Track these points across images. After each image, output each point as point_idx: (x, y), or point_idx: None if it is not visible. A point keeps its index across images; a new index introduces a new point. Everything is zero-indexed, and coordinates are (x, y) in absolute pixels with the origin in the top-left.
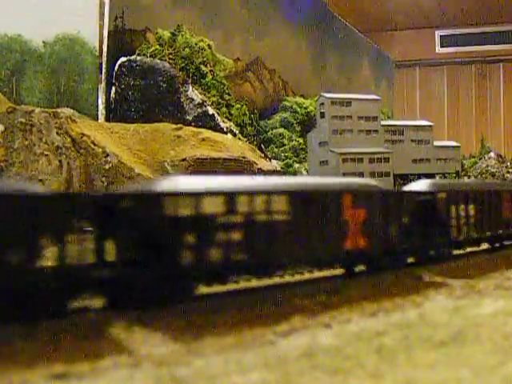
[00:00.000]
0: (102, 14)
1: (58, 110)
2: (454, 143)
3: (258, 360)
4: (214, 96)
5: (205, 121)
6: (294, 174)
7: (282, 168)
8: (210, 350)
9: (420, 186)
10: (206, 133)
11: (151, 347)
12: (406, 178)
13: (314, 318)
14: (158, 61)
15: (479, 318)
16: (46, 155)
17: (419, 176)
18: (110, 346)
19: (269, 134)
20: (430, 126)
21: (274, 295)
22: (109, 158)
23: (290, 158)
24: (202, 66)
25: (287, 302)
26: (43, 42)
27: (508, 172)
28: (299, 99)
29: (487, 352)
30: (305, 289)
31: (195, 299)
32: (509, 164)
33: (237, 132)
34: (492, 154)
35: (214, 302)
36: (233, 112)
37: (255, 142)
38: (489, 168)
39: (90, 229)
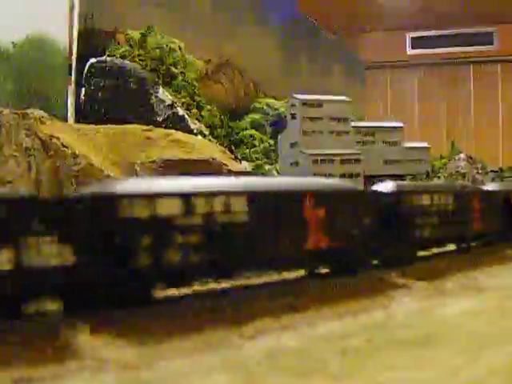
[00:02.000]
0: (71, 15)
1: (28, 111)
2: (424, 144)
3: (222, 363)
4: (184, 97)
5: (175, 122)
6: (265, 175)
7: (252, 169)
8: (175, 353)
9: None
10: (177, 134)
11: (115, 350)
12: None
13: (280, 320)
14: (128, 62)
15: (446, 319)
16: (15, 156)
17: (390, 177)
18: (73, 349)
19: (239, 135)
20: (401, 127)
21: (239, 297)
22: (78, 160)
23: (260, 160)
24: (173, 68)
25: (252, 303)
26: (12, 42)
27: (478, 173)
28: (270, 100)
29: (454, 353)
30: (270, 290)
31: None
32: (479, 165)
33: (207, 133)
34: (462, 155)
35: (177, 304)
36: (203, 113)
37: (226, 144)
38: (459, 169)
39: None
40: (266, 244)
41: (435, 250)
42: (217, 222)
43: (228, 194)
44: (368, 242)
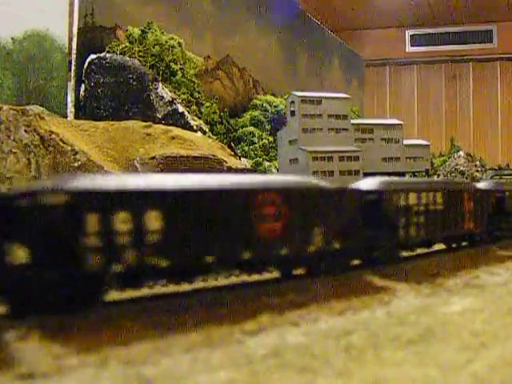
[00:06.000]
0: (71, 11)
1: (27, 108)
2: (423, 142)
3: (225, 359)
4: (184, 94)
5: (175, 119)
6: (264, 172)
7: (252, 166)
8: (178, 349)
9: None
10: (176, 131)
11: (118, 346)
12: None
13: (282, 316)
14: (128, 58)
15: (447, 316)
16: (14, 153)
17: (389, 174)
18: (76, 345)
19: (239, 132)
20: (400, 124)
21: (241, 293)
22: (78, 156)
23: (259, 157)
24: (172, 64)
25: (255, 300)
26: (12, 38)
27: (477, 171)
28: (270, 97)
29: (455, 350)
30: (273, 287)
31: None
32: (478, 163)
33: (207, 130)
34: (461, 153)
35: (180, 300)
36: (203, 110)
37: (225, 141)
38: (458, 167)
39: None
40: None
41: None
42: None
43: None
44: None
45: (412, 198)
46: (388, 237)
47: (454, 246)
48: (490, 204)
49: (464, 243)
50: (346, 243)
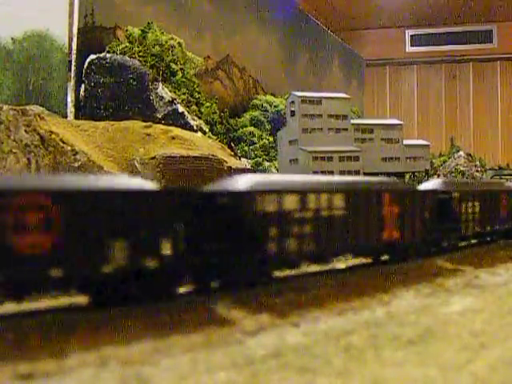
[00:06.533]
0: (71, 11)
1: (27, 108)
2: (423, 142)
3: (225, 359)
4: (183, 94)
5: (175, 119)
6: (264, 172)
7: (251, 166)
8: (178, 349)
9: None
10: (176, 131)
11: (118, 346)
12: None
13: (282, 316)
14: (128, 58)
15: (447, 316)
16: (15, 153)
17: (389, 174)
18: (76, 344)
19: (239, 132)
20: (400, 124)
21: (241, 294)
22: (78, 156)
23: (259, 157)
24: (172, 64)
25: (255, 300)
26: (12, 38)
27: (477, 171)
28: (270, 97)
29: (455, 350)
30: (273, 287)
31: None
32: (478, 163)
33: (207, 130)
34: (461, 153)
35: (181, 301)
36: (203, 110)
37: (225, 141)
38: (458, 167)
39: None
40: None
41: None
42: None
43: None
44: None
45: (291, 202)
46: (250, 252)
47: (383, 259)
48: (429, 208)
49: (388, 256)
50: (174, 261)
